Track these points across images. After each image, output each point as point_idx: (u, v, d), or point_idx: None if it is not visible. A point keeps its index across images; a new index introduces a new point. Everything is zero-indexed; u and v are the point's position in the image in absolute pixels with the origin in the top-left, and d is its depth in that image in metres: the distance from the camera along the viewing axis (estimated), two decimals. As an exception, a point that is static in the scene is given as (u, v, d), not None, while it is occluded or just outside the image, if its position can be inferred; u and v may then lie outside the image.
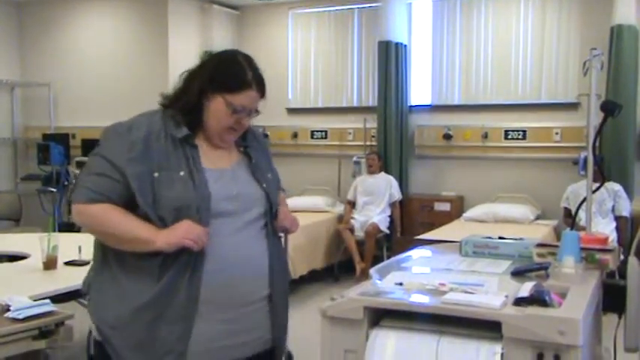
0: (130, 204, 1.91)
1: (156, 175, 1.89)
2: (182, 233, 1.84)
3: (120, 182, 1.90)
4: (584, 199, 2.70)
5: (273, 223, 2.08)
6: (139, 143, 1.92)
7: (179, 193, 1.90)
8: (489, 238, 2.26)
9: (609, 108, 2.50)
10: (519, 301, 1.56)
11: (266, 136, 7.33)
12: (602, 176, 3.49)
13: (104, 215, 1.90)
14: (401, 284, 1.74)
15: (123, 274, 1.93)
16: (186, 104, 1.98)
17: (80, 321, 2.97)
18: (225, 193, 1.97)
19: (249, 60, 2.02)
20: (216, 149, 2.03)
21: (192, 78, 2.00)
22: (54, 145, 7.07)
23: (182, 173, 1.92)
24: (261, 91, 2.00)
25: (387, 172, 7.18)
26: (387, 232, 6.99)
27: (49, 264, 3.33)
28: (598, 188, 2.79)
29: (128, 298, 1.91)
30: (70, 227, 6.51)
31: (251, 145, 2.13)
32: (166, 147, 1.94)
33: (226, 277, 1.91)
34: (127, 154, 1.90)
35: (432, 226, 6.52)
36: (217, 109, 1.96)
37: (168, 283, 1.87)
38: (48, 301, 2.45)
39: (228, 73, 1.98)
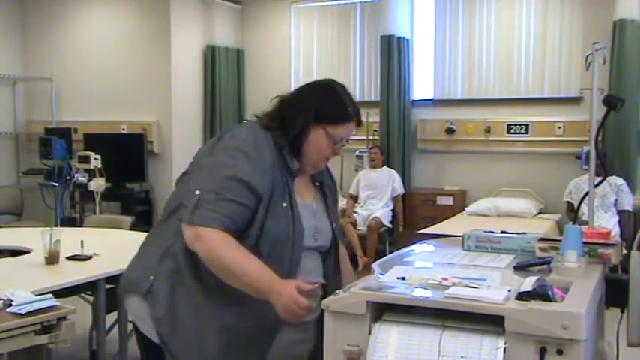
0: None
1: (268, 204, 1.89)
2: (295, 304, 1.74)
3: (251, 210, 1.87)
4: (587, 194, 2.70)
5: (333, 257, 2.13)
6: (269, 170, 1.91)
7: (282, 227, 1.91)
8: (492, 232, 2.25)
9: (612, 102, 2.49)
10: (522, 296, 1.55)
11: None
12: (604, 170, 3.48)
13: (225, 248, 1.81)
14: (403, 278, 1.74)
15: (201, 291, 1.90)
16: (291, 133, 1.98)
17: (82, 316, 2.98)
18: (310, 230, 2.01)
19: (346, 92, 2.06)
20: (299, 181, 2.04)
21: (293, 108, 2.00)
22: (56, 139, 7.04)
23: (284, 205, 1.93)
24: (359, 123, 2.06)
25: (390, 166, 7.18)
26: (390, 226, 7.00)
27: (52, 258, 3.33)
28: (600, 182, 2.79)
29: (209, 316, 1.90)
30: (71, 222, 6.53)
31: (325, 182, 2.17)
32: (278, 175, 1.94)
33: None
34: (261, 179, 1.88)
35: (434, 221, 6.52)
36: (318, 140, 1.99)
37: (253, 307, 1.86)
38: (50, 295, 2.44)
39: (333, 108, 2.01)
